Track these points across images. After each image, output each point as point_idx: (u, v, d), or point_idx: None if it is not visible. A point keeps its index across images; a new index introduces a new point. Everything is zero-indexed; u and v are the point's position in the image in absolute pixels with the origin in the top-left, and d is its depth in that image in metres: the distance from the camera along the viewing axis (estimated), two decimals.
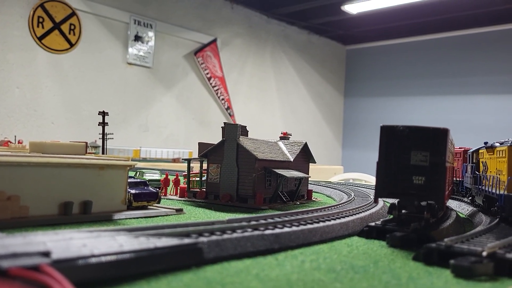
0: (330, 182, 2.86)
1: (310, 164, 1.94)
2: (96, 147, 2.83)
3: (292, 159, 1.75)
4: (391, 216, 1.11)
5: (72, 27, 4.64)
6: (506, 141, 1.15)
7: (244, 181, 1.54)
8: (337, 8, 6.23)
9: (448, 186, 1.23)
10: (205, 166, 1.70)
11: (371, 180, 3.83)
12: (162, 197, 1.51)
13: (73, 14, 4.64)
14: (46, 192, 1.05)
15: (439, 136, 1.00)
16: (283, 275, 0.68)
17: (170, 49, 5.61)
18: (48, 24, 4.48)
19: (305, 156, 1.91)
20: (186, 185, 1.71)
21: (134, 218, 1.19)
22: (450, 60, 7.16)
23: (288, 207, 1.58)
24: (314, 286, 0.63)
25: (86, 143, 1.46)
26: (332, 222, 1.05)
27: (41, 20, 4.42)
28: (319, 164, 2.49)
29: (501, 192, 1.08)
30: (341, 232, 1.03)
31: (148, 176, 1.69)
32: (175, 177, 1.86)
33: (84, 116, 4.72)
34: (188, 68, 5.84)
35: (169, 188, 1.78)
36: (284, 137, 1.92)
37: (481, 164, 1.42)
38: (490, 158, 1.27)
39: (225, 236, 0.79)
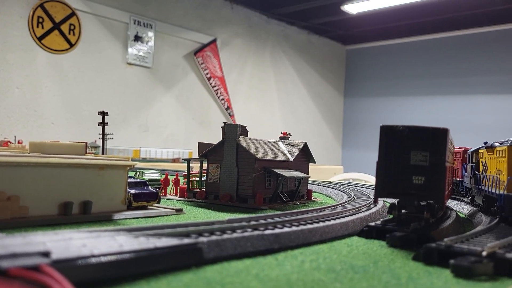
0: (330, 182, 2.86)
1: (310, 164, 1.94)
2: (96, 147, 2.83)
3: (292, 159, 1.75)
4: (391, 216, 1.11)
5: (72, 27, 4.64)
6: (505, 141, 1.15)
7: (244, 181, 1.54)
8: (337, 8, 6.23)
9: (448, 186, 1.23)
10: (205, 166, 1.70)
11: (371, 180, 3.83)
12: (162, 197, 1.51)
13: (72, 14, 4.64)
14: (46, 192, 1.05)
15: (439, 136, 1.00)
16: (283, 275, 0.68)
17: (170, 49, 5.61)
18: (48, 24, 4.48)
19: (305, 156, 1.91)
20: (186, 185, 1.71)
21: (134, 218, 1.19)
22: (450, 60, 7.16)
23: (288, 207, 1.58)
24: (314, 286, 0.63)
25: (86, 143, 1.46)
26: (332, 222, 1.05)
27: (41, 20, 4.42)
28: (319, 164, 2.49)
29: (501, 192, 1.08)
30: (341, 232, 1.03)
31: (148, 176, 1.69)
32: (175, 177, 1.87)
33: (84, 116, 4.72)
34: (188, 68, 5.84)
35: (169, 188, 1.78)
36: (284, 137, 1.92)
37: (480, 164, 1.42)
38: (490, 158, 1.27)
39: (225, 236, 0.79)
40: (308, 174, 1.86)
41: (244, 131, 1.65)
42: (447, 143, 1.01)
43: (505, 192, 1.06)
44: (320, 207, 1.27)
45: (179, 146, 5.50)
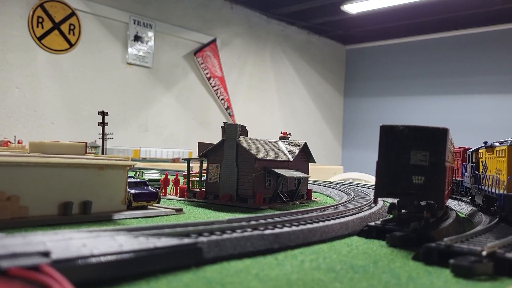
0: (330, 182, 2.86)
1: (310, 164, 1.94)
2: (96, 147, 2.83)
3: (291, 159, 1.75)
4: (391, 216, 1.11)
5: (72, 27, 4.64)
6: (505, 141, 1.15)
7: (244, 181, 1.54)
8: (336, 8, 6.23)
9: (447, 186, 1.23)
10: (204, 166, 1.70)
11: (371, 180, 3.83)
12: (161, 197, 1.51)
13: (72, 14, 4.64)
14: (45, 192, 1.05)
15: (438, 135, 1.00)
16: (283, 275, 0.68)
17: (169, 49, 5.61)
18: (48, 24, 4.48)
19: (304, 156, 1.91)
20: (185, 185, 1.71)
21: (133, 218, 1.19)
22: (450, 59, 7.16)
23: (287, 207, 1.58)
24: (314, 286, 0.63)
25: (86, 143, 1.46)
26: (332, 222, 1.05)
27: (40, 20, 4.42)
28: (318, 164, 2.49)
29: (501, 191, 1.08)
30: (341, 232, 1.03)
31: (147, 176, 1.69)
32: (174, 177, 1.87)
33: (84, 116, 4.72)
34: (188, 68, 5.84)
35: (168, 188, 1.78)
36: (284, 137, 1.92)
37: (480, 164, 1.42)
38: (490, 157, 1.27)
39: (225, 236, 0.79)
40: (308, 174, 1.86)
41: (244, 131, 1.65)
42: (447, 143, 1.01)
43: (505, 192, 1.06)
44: (320, 207, 1.27)
45: (179, 146, 5.50)
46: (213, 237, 0.76)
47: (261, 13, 6.68)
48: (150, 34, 5.35)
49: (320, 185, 2.38)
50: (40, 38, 4.43)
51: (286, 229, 0.91)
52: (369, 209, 1.33)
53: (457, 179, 1.85)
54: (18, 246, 0.52)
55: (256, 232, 0.84)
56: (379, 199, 1.47)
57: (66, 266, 0.54)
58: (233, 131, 1.57)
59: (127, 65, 5.17)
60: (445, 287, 0.66)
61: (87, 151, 1.45)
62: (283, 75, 7.19)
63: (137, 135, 5.24)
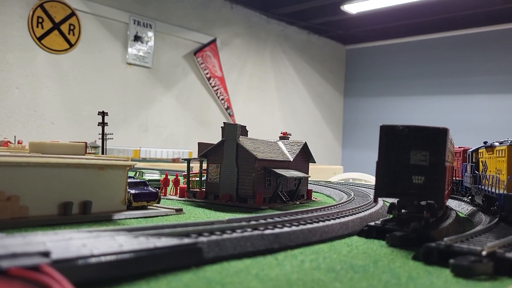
0: (330, 182, 2.86)
1: (310, 164, 1.94)
2: (95, 147, 2.83)
3: (291, 159, 1.75)
4: (391, 216, 1.11)
5: (72, 27, 4.64)
6: (505, 141, 1.15)
7: (244, 181, 1.54)
8: (336, 8, 6.23)
9: (447, 186, 1.23)
10: (204, 166, 1.70)
11: (371, 180, 3.83)
12: (161, 197, 1.51)
13: (72, 14, 4.64)
14: (45, 192, 1.05)
15: (438, 135, 1.00)
16: (283, 275, 0.68)
17: (169, 49, 5.61)
18: (48, 25, 4.48)
19: (304, 156, 1.91)
20: (185, 185, 1.71)
21: (133, 218, 1.19)
22: (450, 59, 7.16)
23: (287, 207, 1.58)
24: (314, 285, 0.63)
25: (86, 143, 1.46)
26: (332, 221, 1.05)
27: (40, 20, 4.42)
28: (318, 164, 2.49)
29: (501, 191, 1.08)
30: (341, 232, 1.03)
31: (147, 176, 1.69)
32: (174, 177, 1.87)
33: (84, 116, 4.72)
34: (188, 68, 5.84)
35: (168, 188, 1.78)
36: (284, 137, 1.92)
37: (480, 164, 1.42)
38: (490, 157, 1.27)
39: (225, 236, 0.79)
40: (308, 174, 1.86)
41: (244, 131, 1.65)
42: (447, 143, 1.01)
43: (505, 192, 1.06)
44: (320, 206, 1.27)
45: (179, 146, 5.50)
46: (213, 237, 0.76)
47: (261, 13, 6.68)
48: (150, 34, 5.35)
49: (320, 185, 2.38)
50: (40, 38, 4.43)
51: (286, 229, 0.91)
52: (369, 209, 1.33)
53: (457, 179, 1.85)
54: (18, 246, 0.52)
55: (256, 232, 0.84)
56: (379, 199, 1.47)
57: (66, 266, 0.54)
58: (233, 131, 1.57)
59: (127, 65, 5.17)
60: (445, 287, 0.66)
61: (87, 151, 1.45)
62: (283, 75, 7.19)
63: (137, 135, 5.24)
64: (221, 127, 1.62)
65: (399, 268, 0.76)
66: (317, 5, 6.18)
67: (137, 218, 1.19)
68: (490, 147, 1.26)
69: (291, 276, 0.68)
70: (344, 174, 4.81)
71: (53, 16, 4.50)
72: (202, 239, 0.74)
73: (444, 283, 0.68)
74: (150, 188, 1.32)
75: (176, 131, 5.69)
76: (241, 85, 6.54)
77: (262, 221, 0.93)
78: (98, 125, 1.82)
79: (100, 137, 1.85)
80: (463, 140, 2.57)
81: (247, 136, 1.66)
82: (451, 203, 1.64)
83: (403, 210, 1.11)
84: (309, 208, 1.21)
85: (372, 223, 1.06)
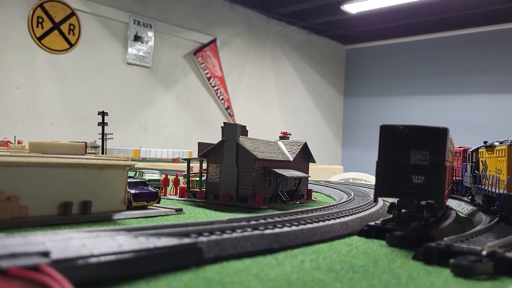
0: (330, 181, 2.86)
1: (310, 163, 1.94)
2: (95, 147, 2.83)
3: (291, 159, 1.75)
4: (391, 216, 1.11)
5: (72, 27, 4.64)
6: (505, 140, 1.15)
7: (244, 181, 1.54)
8: (336, 7, 6.23)
9: (447, 185, 1.23)
10: (204, 166, 1.70)
11: (371, 179, 3.83)
12: (161, 197, 1.51)
13: (72, 14, 4.64)
14: (45, 192, 1.05)
15: (438, 135, 1.00)
16: (283, 275, 0.68)
17: (169, 49, 5.61)
18: (48, 24, 4.48)
19: (304, 156, 1.91)
20: (185, 185, 1.71)
21: (133, 218, 1.19)
22: (450, 59, 7.16)
23: (287, 207, 1.58)
24: (314, 285, 0.63)
25: (86, 143, 1.46)
26: (332, 221, 1.05)
27: (40, 20, 4.42)
28: (318, 164, 2.49)
29: (501, 191, 1.08)
30: (341, 232, 1.03)
31: (147, 176, 1.70)
32: (174, 177, 1.86)
33: (84, 116, 4.72)
34: (188, 68, 5.84)
35: (168, 188, 1.78)
36: (284, 136, 1.92)
37: (480, 163, 1.42)
38: (490, 157, 1.27)
39: (225, 236, 0.79)
40: (308, 174, 1.86)
41: (244, 131, 1.65)
42: (446, 143, 1.01)
43: (505, 192, 1.06)
44: (320, 206, 1.27)
45: (179, 146, 5.50)
46: (213, 237, 0.76)
47: (261, 13, 6.68)
48: (150, 34, 5.34)
49: (320, 185, 2.38)
50: (40, 38, 4.43)
51: (286, 229, 0.91)
52: (369, 208, 1.32)
53: (457, 178, 1.85)
54: (17, 246, 0.52)
55: (256, 232, 0.84)
56: (379, 198, 1.47)
57: (66, 266, 0.54)
58: (233, 131, 1.57)
59: (127, 65, 5.17)
60: (445, 287, 0.66)
61: (87, 151, 1.45)
62: (283, 75, 7.19)
63: (137, 135, 5.24)
64: (221, 127, 1.62)
65: (399, 268, 0.76)
66: (317, 5, 6.18)
67: (137, 218, 1.19)
68: (490, 147, 1.26)
69: (291, 276, 0.68)
70: (344, 174, 4.81)
71: (53, 16, 4.50)
72: (202, 239, 0.74)
73: (444, 283, 0.67)
74: (150, 188, 1.32)
75: (176, 131, 5.69)
76: (241, 85, 6.54)
77: (262, 221, 0.93)
78: (98, 125, 1.82)
79: (100, 137, 1.85)
80: (463, 140, 2.57)
81: (247, 136, 1.66)
82: (451, 202, 1.64)
83: (403, 210, 1.11)
84: (309, 208, 1.21)
85: (372, 223, 1.06)
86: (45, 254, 0.53)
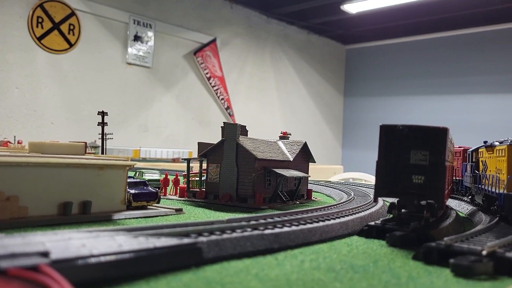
0: (330, 181, 2.86)
1: (310, 163, 1.94)
2: (95, 147, 2.83)
3: (291, 159, 1.75)
4: (391, 215, 1.11)
5: (72, 27, 4.64)
6: (505, 140, 1.15)
7: (244, 181, 1.54)
8: (336, 7, 6.23)
9: (447, 185, 1.23)
10: (204, 166, 1.70)
11: (371, 179, 3.83)
12: (161, 197, 1.51)
13: (72, 14, 4.63)
14: (45, 192, 1.05)
15: (438, 135, 1.00)
16: (283, 275, 0.68)
17: (169, 49, 5.60)
18: (48, 24, 4.48)
19: (304, 156, 1.91)
20: (185, 185, 1.71)
21: (133, 218, 1.18)
22: (449, 59, 7.16)
23: (287, 207, 1.58)
24: (314, 285, 0.63)
25: (86, 143, 1.46)
26: (332, 221, 1.05)
27: (40, 20, 4.42)
28: (318, 164, 2.49)
29: (501, 191, 1.08)
30: (341, 232, 1.03)
31: (147, 176, 1.70)
32: (174, 177, 1.86)
33: (84, 116, 4.72)
34: (188, 68, 5.84)
35: (168, 188, 1.78)
36: (284, 136, 1.92)
37: (480, 163, 1.42)
38: (490, 157, 1.27)
39: (225, 235, 0.79)
40: (308, 174, 1.86)
41: (244, 130, 1.65)
42: (446, 142, 1.01)
43: (505, 191, 1.06)
44: (320, 206, 1.27)
45: (179, 146, 5.50)
46: (213, 237, 0.76)
47: (261, 13, 6.68)
48: (150, 34, 5.34)
49: (320, 185, 2.38)
50: (40, 38, 4.43)
51: (286, 229, 0.91)
52: (369, 208, 1.32)
53: (457, 178, 1.85)
54: (17, 246, 0.52)
55: (256, 232, 0.84)
56: (379, 198, 1.47)
57: (66, 266, 0.54)
58: (233, 131, 1.57)
59: (127, 65, 5.17)
60: (445, 287, 0.66)
61: (87, 151, 1.45)
62: (283, 75, 7.19)
63: (137, 135, 5.24)
64: (221, 127, 1.62)
65: (399, 268, 0.75)
66: (317, 5, 6.18)
67: (136, 218, 1.19)
68: (490, 147, 1.26)
69: (291, 276, 0.68)
70: (344, 174, 4.81)
71: (53, 16, 4.50)
72: (202, 239, 0.74)
73: (444, 283, 0.67)
74: (150, 188, 1.32)
75: (176, 131, 5.69)
76: (241, 85, 6.54)
77: (262, 221, 0.93)
78: (98, 125, 1.82)
79: (100, 137, 1.85)
80: (463, 139, 2.57)
81: (247, 136, 1.66)
82: (451, 202, 1.64)
83: (403, 210, 1.11)
84: (309, 208, 1.20)
85: (372, 223, 1.06)
86: (45, 254, 0.53)
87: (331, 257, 0.81)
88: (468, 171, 1.59)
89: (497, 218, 1.09)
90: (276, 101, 7.09)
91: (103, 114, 1.79)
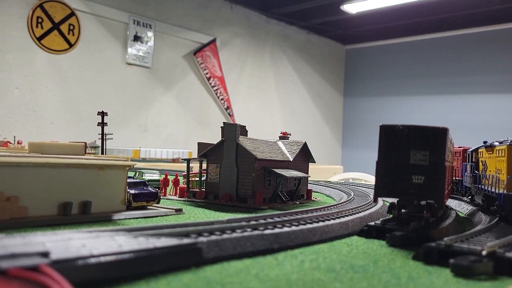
0: (330, 181, 2.86)
1: (309, 163, 1.94)
2: (95, 147, 2.83)
3: (291, 159, 1.75)
4: (391, 216, 1.11)
5: (71, 27, 4.64)
6: (505, 140, 1.15)
7: (244, 181, 1.54)
8: (336, 7, 6.23)
9: (447, 185, 1.23)
10: (204, 166, 1.70)
11: (371, 179, 3.83)
12: (161, 197, 1.51)
13: (72, 14, 4.63)
14: (45, 193, 1.05)
15: (438, 135, 1.00)
16: (283, 275, 0.68)
17: (169, 49, 5.60)
18: (47, 25, 4.47)
19: (304, 156, 1.91)
20: (185, 185, 1.71)
21: (133, 218, 1.18)
22: (449, 59, 7.16)
23: (287, 207, 1.58)
24: (314, 285, 0.63)
25: (85, 143, 1.46)
26: (332, 221, 1.05)
27: (40, 20, 4.42)
28: (318, 164, 2.49)
29: (501, 191, 1.08)
30: (341, 232, 1.03)
31: (147, 176, 1.69)
32: (174, 177, 1.86)
33: (84, 116, 4.71)
34: (188, 68, 5.84)
35: (168, 188, 1.78)
36: (284, 136, 1.92)
37: (480, 163, 1.42)
38: (490, 157, 1.27)
39: (225, 236, 0.79)
40: (307, 174, 1.86)
41: (243, 131, 1.65)
42: (446, 143, 1.01)
43: (505, 191, 1.06)
44: (319, 206, 1.27)
45: (178, 146, 5.50)
46: (213, 237, 0.76)
47: (260, 13, 6.68)
48: (150, 34, 5.34)
49: (320, 185, 2.38)
50: (39, 38, 4.42)
51: (286, 229, 0.91)
52: (369, 208, 1.32)
53: (457, 178, 1.85)
54: (17, 247, 0.52)
55: (256, 232, 0.84)
56: (379, 198, 1.47)
57: (66, 266, 0.54)
58: (232, 131, 1.57)
59: (126, 65, 5.17)
60: (445, 287, 0.66)
61: (87, 151, 1.45)
62: (282, 75, 7.19)
63: (137, 135, 5.24)
64: (221, 127, 1.62)
65: (399, 268, 0.75)
66: (317, 5, 6.18)
67: (136, 218, 1.19)
68: (490, 147, 1.26)
69: (291, 276, 0.68)
70: (344, 174, 4.81)
71: (53, 16, 4.50)
72: (202, 239, 0.74)
73: (444, 283, 0.67)
74: (150, 188, 1.32)
75: (176, 131, 5.69)
76: (241, 85, 6.54)
77: (262, 221, 0.93)
78: (97, 125, 1.82)
79: (100, 137, 1.85)
80: (463, 139, 2.58)
81: (247, 136, 1.66)
82: (451, 202, 1.64)
83: (403, 210, 1.11)
84: (309, 208, 1.21)
85: (372, 223, 1.06)
86: (45, 254, 0.53)
87: (331, 257, 0.81)
88: (468, 171, 1.59)
89: (497, 218, 1.09)
90: (276, 101, 7.09)
91: (103, 114, 1.79)
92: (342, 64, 8.49)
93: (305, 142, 1.88)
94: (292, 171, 1.69)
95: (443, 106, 7.14)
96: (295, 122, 7.32)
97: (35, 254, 0.52)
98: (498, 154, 1.17)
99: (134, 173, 1.79)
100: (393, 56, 7.82)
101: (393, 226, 1.03)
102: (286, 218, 0.98)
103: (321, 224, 1.00)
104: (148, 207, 1.30)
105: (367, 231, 1.05)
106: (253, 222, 0.89)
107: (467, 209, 1.53)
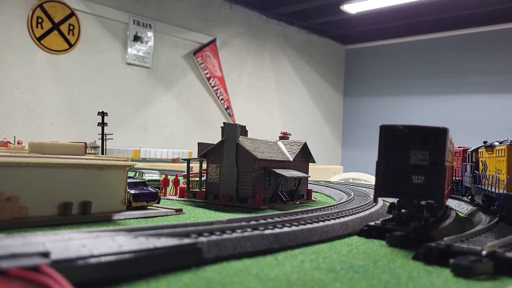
0: (330, 181, 2.86)
1: (309, 164, 1.94)
2: (95, 147, 2.83)
3: (291, 159, 1.75)
4: (391, 216, 1.11)
5: (71, 27, 4.64)
6: (505, 140, 1.15)
7: (244, 181, 1.54)
8: (336, 8, 6.23)
9: (447, 185, 1.23)
10: (204, 166, 1.70)
11: (371, 179, 3.83)
12: (161, 197, 1.51)
13: (72, 14, 4.63)
14: (45, 193, 1.05)
15: (438, 135, 1.00)
16: (283, 275, 0.68)
17: (169, 49, 5.60)
18: (47, 25, 4.48)
19: (304, 156, 1.91)
20: (185, 185, 1.71)
21: (133, 218, 1.18)
22: (449, 59, 7.16)
23: (287, 207, 1.58)
24: (314, 285, 0.63)
25: (86, 143, 1.46)
26: (332, 221, 1.05)
27: (40, 20, 4.42)
28: (318, 164, 2.49)
29: (501, 191, 1.08)
30: (341, 232, 1.03)
31: (147, 176, 1.70)
32: (174, 177, 1.86)
33: (84, 116, 4.71)
34: (188, 68, 5.84)
35: (168, 188, 1.78)
36: (284, 137, 1.92)
37: (480, 163, 1.42)
38: (490, 157, 1.27)
39: (225, 236, 0.79)
40: (307, 174, 1.86)
41: (243, 131, 1.65)
42: (446, 143, 1.01)
43: (505, 191, 1.06)
44: (319, 206, 1.27)
45: (178, 146, 5.50)
46: (213, 237, 0.76)
47: (260, 13, 6.68)
48: (150, 34, 5.34)
49: (320, 185, 2.38)
50: (39, 39, 4.43)
51: (286, 229, 0.91)
52: (369, 208, 1.33)
53: (457, 178, 1.85)
54: (17, 247, 0.52)
55: (256, 232, 0.84)
56: (379, 198, 1.47)
57: (66, 266, 0.54)
58: (232, 131, 1.57)
59: (126, 65, 5.17)
60: (445, 287, 0.66)
61: (87, 152, 1.45)
62: (282, 75, 7.19)
63: (137, 135, 5.24)
64: (221, 127, 1.62)
65: (399, 268, 0.76)
66: (317, 5, 6.18)
67: (137, 218, 1.19)
68: (490, 147, 1.26)
69: (291, 276, 0.68)
70: (344, 174, 4.81)
71: (53, 16, 4.50)
72: (202, 239, 0.74)
73: (444, 283, 0.67)
74: (150, 188, 1.32)
75: (176, 131, 5.69)
76: (240, 85, 6.54)
77: (262, 221, 0.93)
78: (97, 125, 1.82)
79: (100, 137, 1.85)
80: (463, 139, 2.58)
81: (247, 136, 1.66)
82: (451, 202, 1.64)
83: (403, 210, 1.11)
84: (309, 208, 1.21)
85: (372, 223, 1.06)
86: (45, 254, 0.53)
87: (331, 257, 0.81)
88: (468, 171, 1.59)
89: (497, 218, 1.09)
90: (276, 101, 7.09)
91: (103, 114, 1.79)
92: (342, 64, 8.50)
93: (305, 142, 1.88)
94: (292, 171, 1.69)
95: (443, 106, 7.14)
96: (295, 122, 7.32)
97: (36, 254, 0.52)
98: (498, 154, 1.17)
99: (134, 173, 1.79)
100: (393, 56, 7.82)
101: (393, 226, 1.03)
102: (286, 218, 0.98)
103: (321, 224, 1.00)
104: (148, 207, 1.30)
105: (367, 231, 1.05)
106: (253, 222, 0.90)
107: (467, 209, 1.53)
